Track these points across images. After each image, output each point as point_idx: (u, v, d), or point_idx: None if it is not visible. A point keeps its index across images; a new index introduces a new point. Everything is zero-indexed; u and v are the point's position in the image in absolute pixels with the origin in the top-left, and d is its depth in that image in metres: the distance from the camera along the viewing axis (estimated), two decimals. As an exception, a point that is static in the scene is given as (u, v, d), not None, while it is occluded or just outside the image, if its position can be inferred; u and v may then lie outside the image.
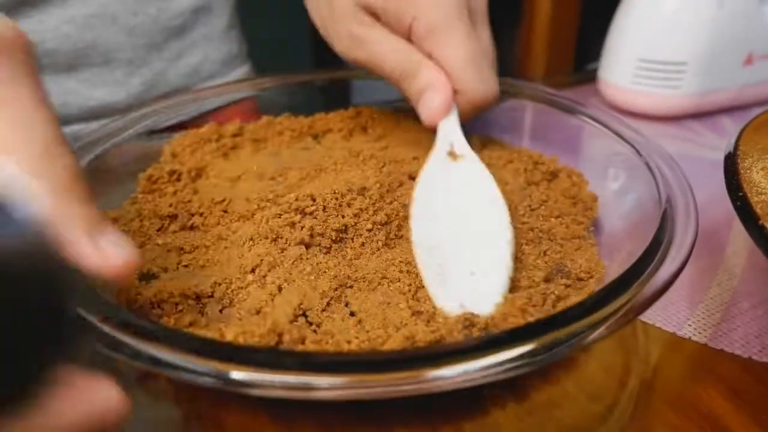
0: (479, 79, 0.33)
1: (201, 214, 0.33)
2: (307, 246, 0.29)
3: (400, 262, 0.29)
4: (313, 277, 0.28)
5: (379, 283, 0.28)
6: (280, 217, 0.30)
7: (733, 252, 0.36)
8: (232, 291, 0.27)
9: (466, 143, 0.34)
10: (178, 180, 0.35)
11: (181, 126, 0.41)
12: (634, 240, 0.29)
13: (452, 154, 0.34)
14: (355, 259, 0.30)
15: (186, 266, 0.29)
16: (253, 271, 0.28)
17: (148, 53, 0.53)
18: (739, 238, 0.37)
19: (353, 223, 0.30)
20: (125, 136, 0.36)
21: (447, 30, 0.33)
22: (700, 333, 0.30)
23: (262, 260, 0.28)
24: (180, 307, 0.27)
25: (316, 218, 0.30)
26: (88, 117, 0.51)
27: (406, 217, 0.32)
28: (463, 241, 0.30)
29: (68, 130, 0.51)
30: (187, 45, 0.56)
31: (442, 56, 0.33)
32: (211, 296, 0.27)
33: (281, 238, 0.29)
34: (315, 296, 0.27)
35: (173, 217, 0.32)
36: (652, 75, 0.51)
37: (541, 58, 1.04)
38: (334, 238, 0.30)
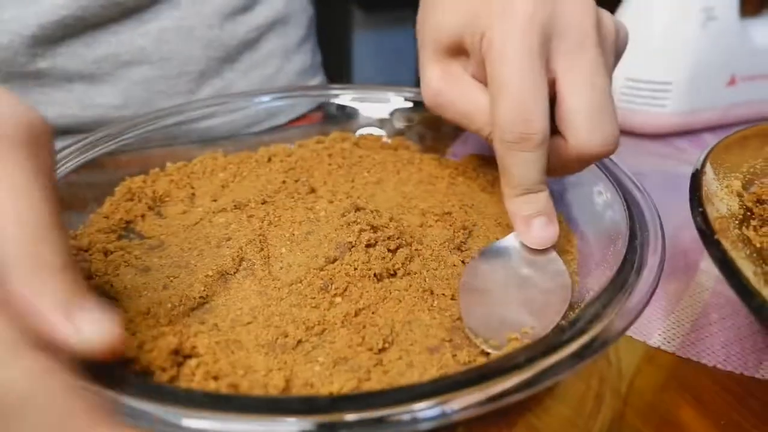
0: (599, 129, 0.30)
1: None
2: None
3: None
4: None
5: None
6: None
7: (706, 266, 0.37)
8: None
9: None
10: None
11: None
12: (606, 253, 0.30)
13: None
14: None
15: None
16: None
17: (221, 65, 0.52)
18: (711, 252, 0.38)
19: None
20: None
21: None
22: (669, 343, 0.32)
23: None
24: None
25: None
26: None
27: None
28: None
29: None
30: (262, 57, 0.55)
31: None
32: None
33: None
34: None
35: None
36: (638, 94, 0.53)
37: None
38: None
